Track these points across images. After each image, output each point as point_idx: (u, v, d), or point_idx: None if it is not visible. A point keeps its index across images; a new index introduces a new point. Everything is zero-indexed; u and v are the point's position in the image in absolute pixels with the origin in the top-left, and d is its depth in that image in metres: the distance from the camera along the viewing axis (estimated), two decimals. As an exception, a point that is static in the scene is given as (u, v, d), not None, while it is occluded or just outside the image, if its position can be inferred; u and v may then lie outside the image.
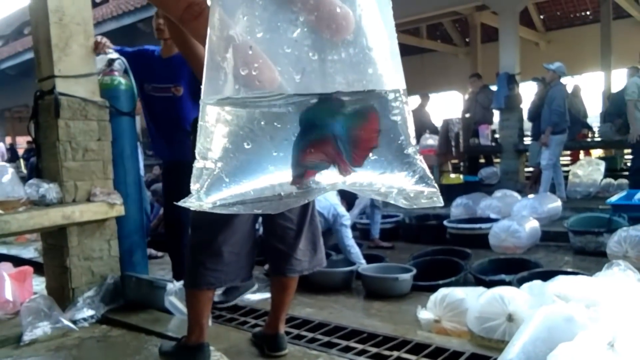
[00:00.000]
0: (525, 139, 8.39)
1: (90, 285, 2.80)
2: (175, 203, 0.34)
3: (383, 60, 0.32)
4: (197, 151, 0.32)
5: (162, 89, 3.13)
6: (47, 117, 2.80)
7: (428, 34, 13.06)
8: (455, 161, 8.97)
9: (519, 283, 2.97)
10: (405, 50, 14.44)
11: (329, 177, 0.32)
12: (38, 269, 3.37)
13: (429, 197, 0.33)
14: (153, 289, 2.71)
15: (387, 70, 0.32)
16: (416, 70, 14.19)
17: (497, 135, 8.83)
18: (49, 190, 2.66)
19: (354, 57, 0.31)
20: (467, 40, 13.33)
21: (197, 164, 0.32)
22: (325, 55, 0.30)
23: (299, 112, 0.30)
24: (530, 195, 6.14)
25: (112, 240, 2.90)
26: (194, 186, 0.32)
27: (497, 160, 9.10)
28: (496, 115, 8.72)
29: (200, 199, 0.32)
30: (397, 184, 0.33)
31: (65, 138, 2.76)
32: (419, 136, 7.31)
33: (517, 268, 3.78)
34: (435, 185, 0.33)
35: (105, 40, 2.99)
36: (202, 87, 0.30)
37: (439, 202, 0.34)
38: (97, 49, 2.94)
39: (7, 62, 13.60)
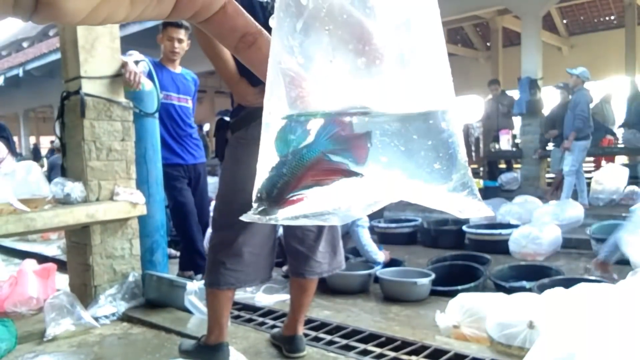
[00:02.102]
0: (547, 144, 8.29)
1: (112, 283, 2.84)
2: (240, 218, 0.35)
3: (438, 79, 0.34)
4: (259, 167, 0.34)
5: (183, 99, 3.61)
6: (72, 117, 2.85)
7: (448, 37, 13.00)
8: (475, 166, 8.90)
9: (540, 290, 2.93)
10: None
11: (386, 190, 0.34)
12: (61, 266, 3.43)
13: (478, 209, 0.35)
14: (173, 288, 2.74)
15: (442, 88, 0.34)
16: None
17: (518, 141, 8.74)
18: (74, 189, 2.71)
19: (411, 77, 0.33)
20: (488, 44, 13.23)
21: (261, 176, 0.34)
22: (383, 77, 0.33)
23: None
24: (552, 202, 6.06)
25: (134, 239, 2.94)
26: (257, 198, 0.34)
27: (518, 165, 9.01)
28: (517, 121, 8.65)
29: (264, 212, 0.34)
30: (448, 196, 0.35)
31: (90, 138, 2.81)
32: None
33: (537, 275, 3.73)
34: (481, 199, 0.35)
35: (140, 73, 3.01)
36: (265, 106, 0.33)
37: (489, 212, 0.36)
38: (133, 84, 2.95)
39: (32, 63, 13.89)
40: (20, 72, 14.10)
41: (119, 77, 2.95)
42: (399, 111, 0.32)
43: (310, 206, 0.32)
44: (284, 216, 0.33)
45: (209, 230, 3.42)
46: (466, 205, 0.34)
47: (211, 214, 3.20)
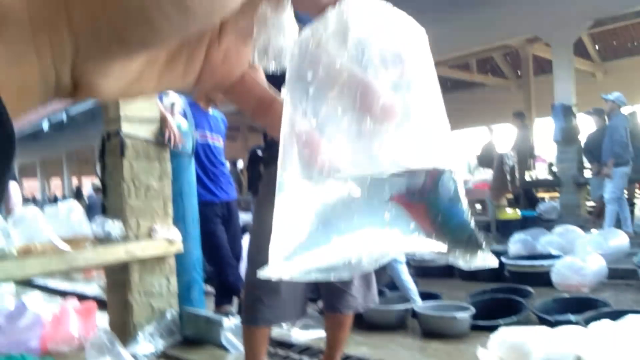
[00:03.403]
0: (585, 171, 8.09)
1: (150, 320, 2.86)
2: (258, 276, 0.37)
3: (437, 139, 0.36)
4: (275, 223, 0.36)
5: (216, 138, 3.70)
6: (113, 157, 2.95)
7: (478, 68, 12.98)
8: (510, 196, 8.71)
9: (586, 323, 2.80)
10: (455, 85, 14.38)
11: (396, 243, 0.36)
12: (101, 305, 3.49)
13: (483, 259, 0.37)
14: (210, 325, 2.75)
15: (444, 147, 0.36)
16: (466, 104, 14.07)
17: (555, 169, 8.57)
18: (114, 227, 2.77)
19: (409, 138, 0.35)
20: (518, 72, 13.14)
21: (277, 234, 0.36)
22: (380, 139, 0.35)
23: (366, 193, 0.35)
24: (594, 231, 5.85)
25: (171, 277, 2.98)
26: (273, 255, 0.36)
27: (555, 194, 8.79)
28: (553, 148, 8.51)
29: (280, 267, 0.35)
30: (455, 249, 0.36)
31: (129, 177, 2.89)
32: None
33: (583, 307, 3.57)
34: (488, 249, 0.36)
35: (179, 134, 3.11)
36: (279, 169, 0.35)
37: (494, 262, 0.37)
38: (172, 144, 3.05)
39: (75, 107, 14.50)
40: (64, 117, 14.74)
41: (157, 122, 3.04)
42: (406, 169, 0.34)
43: (322, 260, 0.34)
44: (297, 272, 0.35)
45: (243, 264, 3.45)
46: (473, 257, 0.35)
47: (245, 248, 3.21)
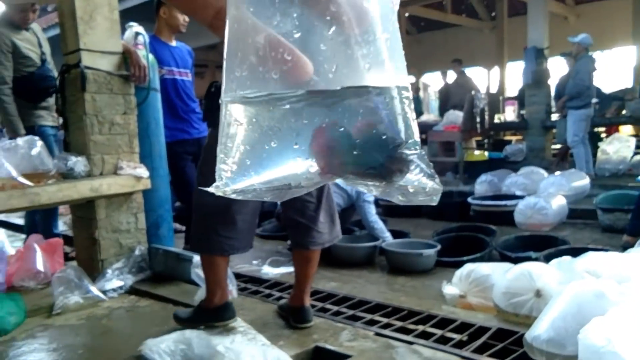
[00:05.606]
0: (552, 115, 8.21)
1: (118, 257, 2.85)
2: (202, 188, 0.37)
3: (386, 57, 0.34)
4: (219, 144, 0.34)
5: (184, 73, 3.56)
6: (73, 90, 2.82)
7: (453, 8, 12.76)
8: (479, 138, 8.83)
9: (546, 260, 2.92)
10: (429, 25, 14.15)
11: (332, 168, 0.34)
12: (67, 241, 3.44)
13: (430, 194, 0.34)
14: (179, 262, 2.75)
15: (389, 68, 0.33)
16: (440, 45, 13.94)
17: (523, 112, 8.67)
18: (77, 163, 2.69)
19: (358, 54, 0.33)
20: (492, 14, 13.00)
21: (223, 154, 0.35)
22: (333, 53, 0.33)
23: (314, 109, 0.34)
24: (557, 172, 6.01)
25: (139, 213, 2.94)
26: (219, 175, 0.35)
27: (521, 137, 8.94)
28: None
29: (226, 186, 0.35)
30: (397, 175, 0.34)
31: (92, 111, 2.78)
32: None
33: (543, 245, 3.72)
34: (439, 184, 0.34)
35: (146, 67, 2.96)
36: (224, 83, 0.32)
37: (435, 202, 0.35)
38: (139, 80, 2.92)
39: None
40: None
41: (120, 55, 2.90)
42: (349, 86, 0.32)
43: (265, 182, 0.33)
44: (239, 190, 0.34)
45: None
46: (416, 190, 0.34)
47: None
